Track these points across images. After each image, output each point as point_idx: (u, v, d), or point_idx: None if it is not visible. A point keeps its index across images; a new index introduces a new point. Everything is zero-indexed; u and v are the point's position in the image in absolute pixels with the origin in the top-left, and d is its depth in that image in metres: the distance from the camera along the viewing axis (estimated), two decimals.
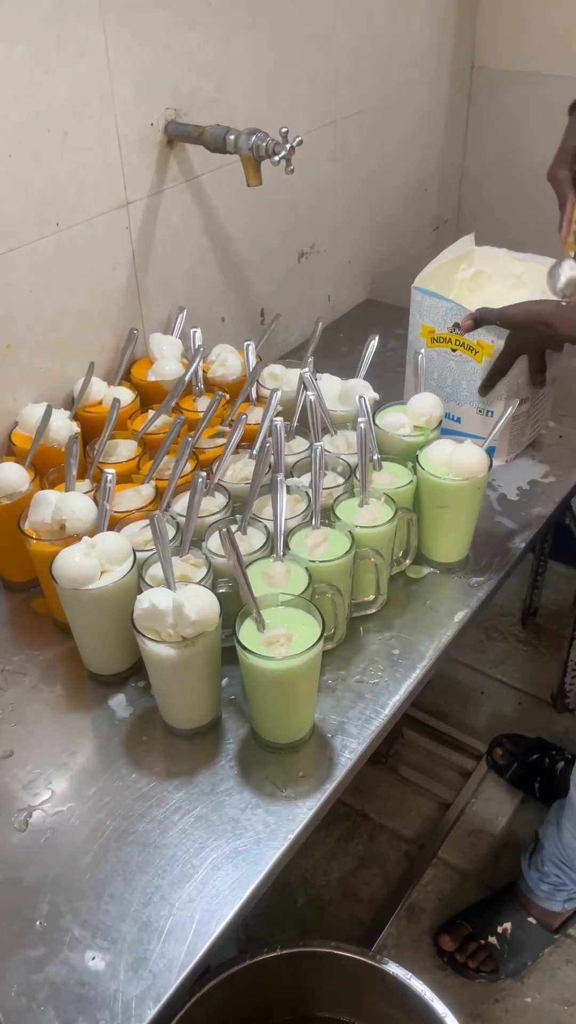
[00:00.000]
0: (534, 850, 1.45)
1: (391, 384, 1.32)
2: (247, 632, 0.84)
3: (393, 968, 1.01)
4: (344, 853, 1.62)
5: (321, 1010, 1.11)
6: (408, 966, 1.45)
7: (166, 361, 1.23)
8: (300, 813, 0.85)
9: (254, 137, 1.12)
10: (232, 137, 1.14)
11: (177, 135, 1.19)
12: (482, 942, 1.44)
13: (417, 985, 1.00)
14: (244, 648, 0.82)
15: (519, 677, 1.94)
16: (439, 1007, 0.99)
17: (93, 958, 0.74)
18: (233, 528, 0.96)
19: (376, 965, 1.01)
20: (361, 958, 1.02)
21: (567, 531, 1.67)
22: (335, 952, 1.03)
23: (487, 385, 1.18)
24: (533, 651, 1.99)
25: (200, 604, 0.82)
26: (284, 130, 1.10)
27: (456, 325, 1.18)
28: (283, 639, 0.83)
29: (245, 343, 1.24)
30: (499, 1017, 1.41)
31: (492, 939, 1.44)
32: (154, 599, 0.83)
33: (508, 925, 1.45)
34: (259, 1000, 1.06)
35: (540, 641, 2.01)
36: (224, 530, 0.84)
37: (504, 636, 2.03)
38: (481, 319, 1.12)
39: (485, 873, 1.59)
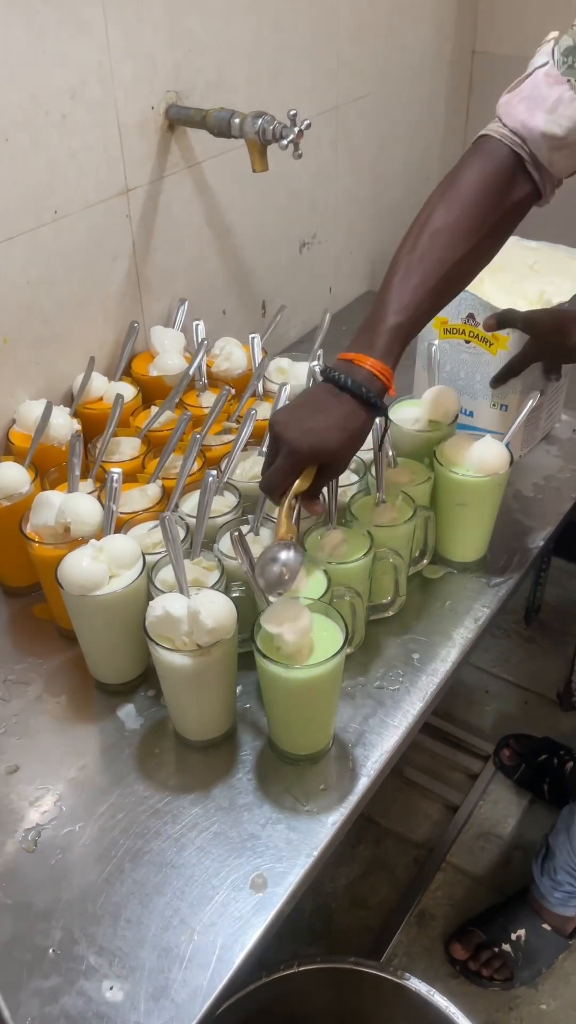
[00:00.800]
0: (545, 856, 1.41)
1: (400, 377, 1.26)
2: (265, 639, 0.80)
3: (415, 983, 0.98)
4: (351, 859, 1.59)
5: None
6: (420, 974, 1.42)
7: (168, 355, 1.19)
8: (323, 828, 0.81)
9: (260, 120, 1.08)
10: (237, 120, 1.09)
11: (179, 119, 1.14)
12: (496, 950, 1.41)
13: (440, 1001, 0.97)
14: (263, 656, 0.78)
15: (524, 675, 1.91)
16: (464, 1023, 0.95)
17: (111, 988, 0.70)
18: (245, 529, 0.92)
19: (398, 981, 0.98)
20: (382, 973, 0.98)
21: (571, 526, 1.63)
22: (355, 968, 0.99)
23: (499, 380, 1.15)
24: (537, 648, 1.96)
25: (216, 611, 0.78)
26: (292, 112, 1.06)
27: (471, 316, 1.14)
28: (304, 646, 0.79)
29: (250, 336, 1.20)
30: None
31: (506, 947, 1.41)
32: (168, 605, 0.78)
33: (522, 932, 1.42)
34: (277, 1018, 1.02)
35: (544, 638, 1.98)
36: (235, 533, 0.80)
37: (507, 633, 2.00)
38: (505, 321, 1.08)
39: (496, 877, 1.56)
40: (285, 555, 0.79)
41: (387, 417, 1.02)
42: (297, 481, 0.80)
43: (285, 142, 1.07)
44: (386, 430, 0.93)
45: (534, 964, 1.41)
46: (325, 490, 0.95)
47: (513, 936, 1.42)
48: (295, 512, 0.83)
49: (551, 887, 1.40)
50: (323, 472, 0.82)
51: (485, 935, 1.43)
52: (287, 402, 1.04)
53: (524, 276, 1.24)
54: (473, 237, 0.85)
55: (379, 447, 0.95)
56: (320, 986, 1.00)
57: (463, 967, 1.42)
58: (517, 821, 1.64)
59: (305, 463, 0.80)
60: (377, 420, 0.95)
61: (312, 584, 0.86)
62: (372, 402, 0.81)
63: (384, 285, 0.85)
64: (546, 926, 1.42)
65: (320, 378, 0.84)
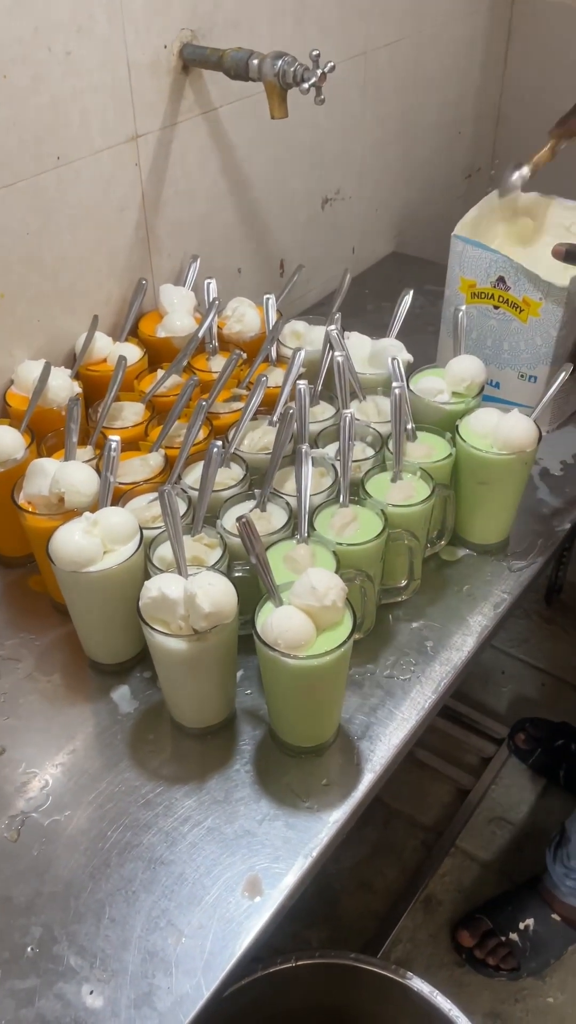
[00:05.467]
0: (560, 843, 1.37)
1: (422, 345, 1.20)
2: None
3: (417, 984, 0.93)
4: (357, 840, 1.55)
5: (341, 1021, 1.04)
6: (424, 961, 1.39)
7: (177, 315, 1.12)
8: (324, 827, 0.76)
9: (280, 62, 1.00)
10: (255, 62, 1.01)
11: (193, 60, 1.06)
12: (503, 939, 1.37)
13: (443, 1002, 0.93)
14: (264, 644, 0.72)
15: (542, 657, 1.85)
16: None
17: (91, 992, 0.66)
18: (251, 507, 0.87)
19: (399, 980, 0.94)
20: (383, 972, 0.94)
21: None
22: (355, 964, 0.95)
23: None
24: (558, 629, 1.90)
25: (215, 594, 0.72)
26: (315, 53, 0.97)
27: (501, 279, 1.06)
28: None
29: (265, 297, 1.13)
30: (519, 1017, 1.34)
31: (513, 936, 1.37)
32: (163, 586, 0.73)
33: (531, 921, 1.38)
34: (272, 1012, 0.98)
35: (565, 619, 1.92)
36: (243, 520, 0.73)
37: (527, 613, 1.93)
38: (574, 253, 0.99)
39: (506, 864, 1.51)
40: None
41: (407, 387, 0.96)
42: None
43: (306, 85, 0.98)
44: (405, 401, 0.86)
45: (542, 955, 1.37)
46: (337, 464, 0.89)
47: (521, 925, 1.38)
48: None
49: (564, 875, 1.35)
50: None
51: (492, 923, 1.39)
52: (302, 369, 0.98)
53: (561, 238, 1.15)
54: None
55: (397, 419, 0.89)
56: (319, 981, 0.97)
57: (469, 955, 1.39)
58: (530, 807, 1.59)
59: None
60: (396, 390, 0.89)
61: (318, 564, 0.80)
62: None
63: None
64: (556, 916, 1.38)
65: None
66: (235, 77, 1.04)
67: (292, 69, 0.99)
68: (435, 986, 0.94)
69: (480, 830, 1.56)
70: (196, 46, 1.06)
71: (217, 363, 1.09)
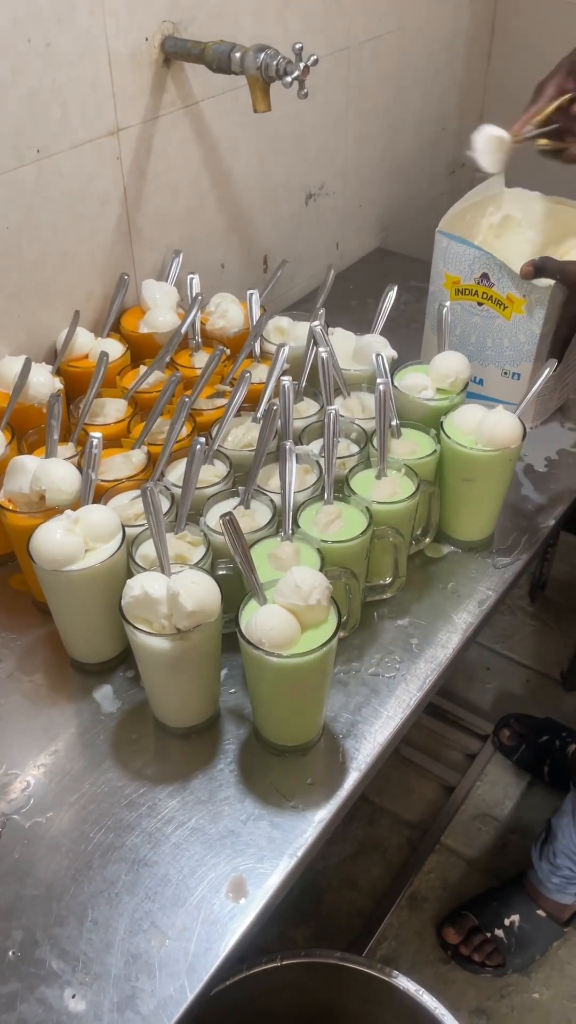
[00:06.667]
0: (545, 840, 1.37)
1: (406, 342, 1.19)
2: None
3: (403, 982, 0.93)
4: (342, 838, 1.54)
5: (327, 1020, 1.03)
6: (410, 958, 1.39)
7: (160, 311, 1.11)
8: (309, 826, 0.75)
9: (263, 55, 0.99)
10: (238, 55, 1.00)
11: (175, 52, 1.05)
12: (488, 935, 1.37)
13: (428, 1000, 0.92)
14: (248, 642, 0.71)
15: (527, 653, 1.85)
16: None
17: (73, 996, 0.65)
18: (234, 504, 0.86)
19: (385, 979, 0.93)
20: (369, 971, 0.94)
21: None
22: (341, 963, 0.95)
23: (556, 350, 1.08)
24: (542, 626, 1.90)
25: (198, 593, 0.71)
26: (298, 46, 0.97)
27: (484, 276, 1.06)
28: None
29: (248, 292, 1.12)
30: (505, 1013, 1.34)
31: (499, 932, 1.37)
32: (146, 585, 0.72)
33: (516, 918, 1.38)
34: (259, 1011, 0.98)
35: (549, 615, 1.92)
36: (227, 518, 0.73)
37: (511, 609, 1.93)
38: (543, 268, 1.00)
39: (491, 861, 1.51)
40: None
41: (392, 383, 0.95)
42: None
43: (289, 79, 0.98)
44: (390, 397, 0.86)
45: (527, 951, 1.38)
46: (321, 461, 0.88)
47: (506, 921, 1.38)
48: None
49: (549, 872, 1.35)
50: None
51: (478, 920, 1.40)
52: (286, 365, 0.97)
53: (547, 235, 1.15)
54: None
55: (382, 416, 0.88)
56: (304, 980, 0.96)
57: (455, 952, 1.39)
58: (515, 804, 1.59)
59: None
60: (381, 386, 0.88)
61: (303, 562, 0.79)
62: None
63: None
64: (541, 912, 1.38)
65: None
66: (217, 70, 1.03)
67: (275, 62, 0.98)
68: (421, 983, 0.94)
69: (465, 827, 1.56)
70: (178, 39, 1.05)
71: (200, 359, 1.08)
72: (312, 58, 0.98)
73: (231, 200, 1.27)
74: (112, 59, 1.00)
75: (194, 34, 1.08)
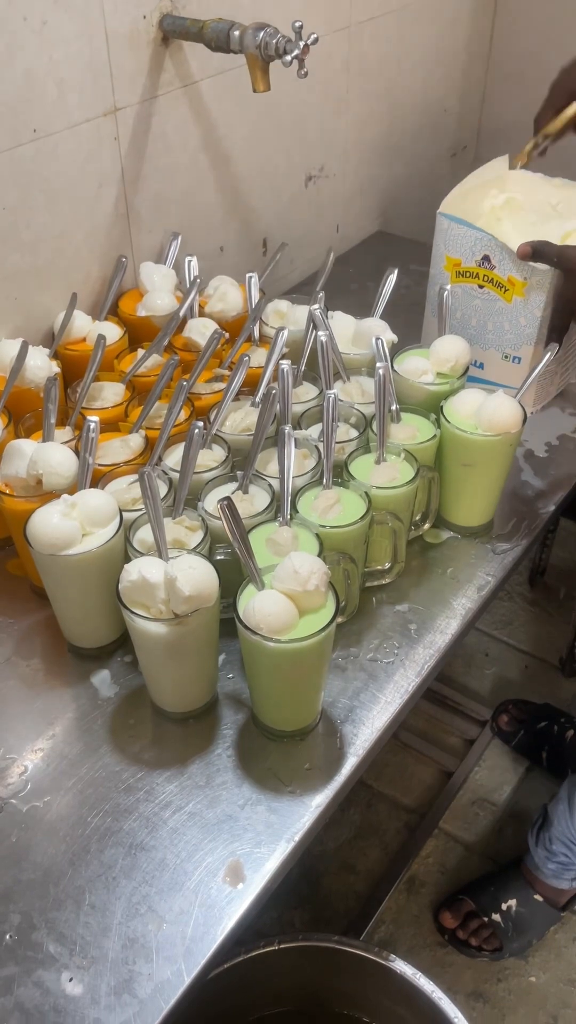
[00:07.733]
0: (542, 826, 1.37)
1: (407, 326, 1.19)
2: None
3: (400, 966, 0.93)
4: (340, 822, 1.55)
5: (324, 1003, 1.04)
6: (407, 942, 1.40)
7: (158, 294, 1.10)
8: (306, 811, 0.75)
9: (262, 33, 0.97)
10: (237, 33, 0.99)
11: (173, 31, 1.04)
12: (485, 919, 1.38)
13: (425, 984, 0.93)
14: (246, 628, 0.71)
15: (526, 639, 1.85)
16: (448, 1008, 0.91)
17: (70, 979, 0.65)
18: (233, 488, 0.85)
19: (382, 962, 0.93)
20: (366, 954, 0.94)
21: None
22: (338, 947, 0.95)
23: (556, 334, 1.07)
24: (541, 612, 1.90)
25: (196, 578, 0.71)
26: (298, 24, 0.95)
27: (486, 258, 1.05)
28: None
29: (247, 275, 1.11)
30: (502, 997, 1.35)
31: (496, 916, 1.38)
32: (144, 570, 0.72)
33: (513, 902, 1.38)
34: (256, 994, 0.98)
35: (548, 602, 1.92)
36: (225, 503, 0.72)
37: (511, 595, 1.93)
38: (540, 252, 0.99)
39: (489, 846, 1.52)
40: None
41: (391, 367, 0.94)
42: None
43: (289, 58, 0.96)
44: (389, 381, 0.85)
45: (524, 935, 1.38)
46: (320, 446, 0.87)
47: (503, 906, 1.39)
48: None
49: (545, 857, 1.36)
50: None
51: (475, 904, 1.40)
52: (285, 349, 0.96)
53: (546, 217, 1.14)
54: None
55: (381, 400, 0.88)
56: (302, 964, 0.96)
57: (452, 936, 1.39)
58: (513, 789, 1.60)
59: None
60: (380, 371, 0.88)
61: (301, 547, 0.79)
62: None
63: None
64: (538, 897, 1.39)
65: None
66: (216, 49, 1.02)
67: (274, 41, 0.97)
68: (418, 967, 0.94)
69: (463, 812, 1.56)
70: (176, 16, 1.04)
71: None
72: (312, 36, 0.97)
73: (230, 182, 1.25)
74: (109, 37, 0.99)
75: (192, 12, 1.06)
